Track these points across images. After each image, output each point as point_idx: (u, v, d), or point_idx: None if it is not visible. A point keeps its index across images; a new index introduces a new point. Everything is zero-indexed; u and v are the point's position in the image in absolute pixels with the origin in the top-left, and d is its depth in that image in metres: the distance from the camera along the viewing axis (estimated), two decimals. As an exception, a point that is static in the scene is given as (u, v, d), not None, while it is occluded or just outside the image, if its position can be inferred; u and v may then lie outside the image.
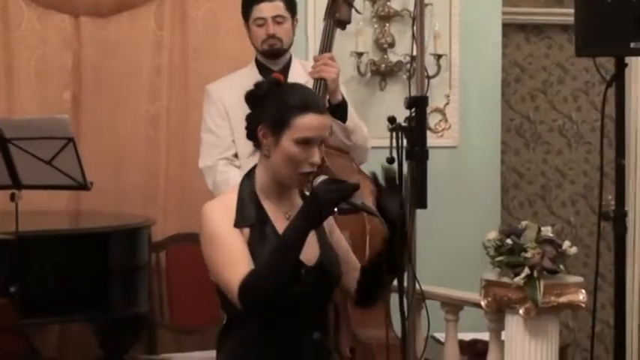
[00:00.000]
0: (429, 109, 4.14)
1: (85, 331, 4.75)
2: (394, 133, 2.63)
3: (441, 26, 5.35)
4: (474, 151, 5.53)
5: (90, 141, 4.92)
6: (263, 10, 4.06)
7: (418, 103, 2.67)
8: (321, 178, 2.62)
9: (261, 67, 4.15)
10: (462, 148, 5.52)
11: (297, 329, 2.71)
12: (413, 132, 2.64)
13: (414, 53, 2.83)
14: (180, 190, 5.07)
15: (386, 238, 2.69)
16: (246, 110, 2.70)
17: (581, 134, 6.55)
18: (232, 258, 2.62)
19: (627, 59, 3.62)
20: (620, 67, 3.56)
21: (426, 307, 3.03)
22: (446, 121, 5.50)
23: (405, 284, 2.73)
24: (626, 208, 3.59)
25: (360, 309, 3.02)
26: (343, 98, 4.04)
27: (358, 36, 5.18)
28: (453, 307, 4.15)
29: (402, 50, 5.36)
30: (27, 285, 4.03)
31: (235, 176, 3.98)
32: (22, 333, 4.05)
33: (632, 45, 3.49)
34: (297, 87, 2.80)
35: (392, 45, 5.37)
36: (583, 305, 3.72)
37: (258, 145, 2.74)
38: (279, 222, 2.70)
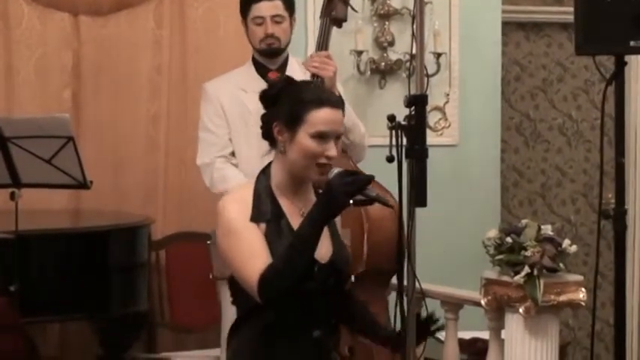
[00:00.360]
0: (428, 108, 4.11)
1: (85, 330, 4.75)
2: (394, 132, 2.62)
3: (441, 24, 5.34)
4: (473, 150, 5.52)
5: (90, 140, 4.92)
6: (262, 9, 4.05)
7: (418, 102, 2.66)
8: (336, 170, 2.62)
9: (258, 66, 4.15)
10: (462, 146, 5.51)
11: (306, 326, 2.71)
12: (412, 130, 2.64)
13: (414, 51, 2.81)
14: (180, 189, 5.08)
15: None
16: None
17: (580, 132, 6.55)
18: (251, 252, 2.62)
19: (627, 58, 3.61)
20: (620, 65, 3.56)
21: (426, 306, 3.02)
22: (446, 119, 5.50)
23: (405, 283, 2.72)
24: (626, 207, 3.59)
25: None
26: (340, 96, 4.04)
27: (358, 34, 5.18)
28: (453, 305, 4.15)
29: (401, 48, 5.35)
30: (27, 284, 4.03)
31: (233, 174, 3.99)
32: (22, 332, 4.04)
33: (631, 43, 3.48)
34: (311, 83, 2.80)
35: (391, 43, 5.36)
36: (583, 304, 3.73)
37: (273, 143, 2.74)
38: (294, 218, 2.70)
